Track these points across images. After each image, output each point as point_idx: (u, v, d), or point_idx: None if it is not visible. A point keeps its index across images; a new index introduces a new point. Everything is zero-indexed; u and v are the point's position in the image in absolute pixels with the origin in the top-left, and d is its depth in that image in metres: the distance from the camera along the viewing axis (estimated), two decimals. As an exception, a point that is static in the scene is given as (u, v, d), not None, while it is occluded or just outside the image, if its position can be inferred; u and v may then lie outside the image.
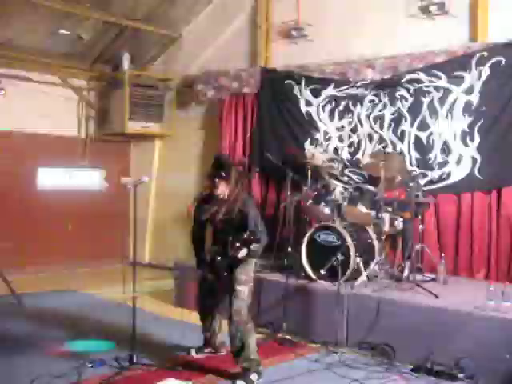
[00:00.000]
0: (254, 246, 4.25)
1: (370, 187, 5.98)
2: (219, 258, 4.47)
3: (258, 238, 4.28)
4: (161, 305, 6.88)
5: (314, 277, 5.74)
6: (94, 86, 9.49)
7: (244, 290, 4.46)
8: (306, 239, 5.89)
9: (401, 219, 5.93)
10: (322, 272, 5.59)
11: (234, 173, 4.55)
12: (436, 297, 5.01)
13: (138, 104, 8.90)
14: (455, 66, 6.26)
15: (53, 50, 8.61)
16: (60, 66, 8.90)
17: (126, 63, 8.93)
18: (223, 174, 4.48)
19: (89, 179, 9.35)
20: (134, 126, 8.83)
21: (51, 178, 8.91)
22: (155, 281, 8.18)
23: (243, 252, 4.27)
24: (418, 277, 5.69)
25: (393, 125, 6.72)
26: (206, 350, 4.98)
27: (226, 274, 4.47)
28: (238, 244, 4.26)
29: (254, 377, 4.32)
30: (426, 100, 6.46)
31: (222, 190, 4.50)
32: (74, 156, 9.22)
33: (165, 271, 8.40)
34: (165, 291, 7.36)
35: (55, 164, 8.92)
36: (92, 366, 4.56)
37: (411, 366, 4.66)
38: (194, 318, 5.82)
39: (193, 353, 4.95)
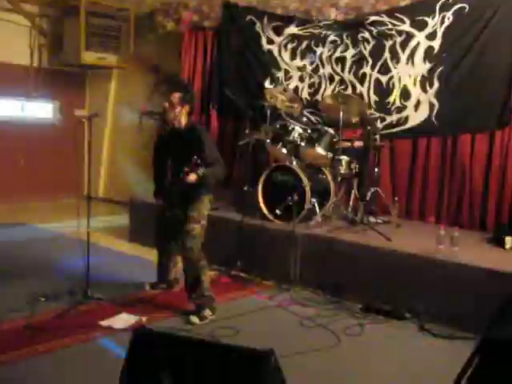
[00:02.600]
0: (205, 170, 4.19)
1: (328, 129, 5.98)
2: (173, 188, 4.47)
3: (211, 163, 4.28)
4: (115, 240, 6.87)
5: (270, 216, 5.80)
6: (46, 13, 9.08)
7: (195, 228, 4.47)
8: (262, 179, 5.91)
9: (357, 162, 5.98)
10: (278, 212, 5.64)
11: (190, 97, 4.55)
12: (388, 239, 5.13)
13: (94, 34, 8.57)
14: (419, 10, 6.21)
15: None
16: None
17: (81, -11, 8.56)
18: (181, 94, 4.48)
19: (41, 111, 9.08)
20: (89, 57, 8.54)
21: (2, 109, 8.60)
22: (110, 216, 8.14)
23: (192, 176, 4.21)
24: (372, 219, 5.81)
25: (354, 67, 6.68)
26: (161, 286, 5.03)
27: (177, 208, 4.49)
28: (186, 169, 4.19)
29: (207, 313, 4.39)
30: (388, 43, 6.41)
31: (175, 112, 4.49)
32: (25, 86, 8.89)
33: (120, 206, 8.36)
34: (119, 226, 7.34)
35: (5, 94, 8.60)
36: (45, 300, 4.55)
37: (361, 305, 4.81)
38: (148, 253, 5.86)
39: (147, 288, 5.00)
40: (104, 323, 4.19)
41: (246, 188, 6.37)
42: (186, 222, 4.46)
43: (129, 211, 7.01)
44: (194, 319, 4.33)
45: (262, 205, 5.88)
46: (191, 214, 4.48)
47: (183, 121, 4.56)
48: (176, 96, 4.49)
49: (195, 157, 4.17)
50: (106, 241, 6.72)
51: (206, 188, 4.51)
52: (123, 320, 4.27)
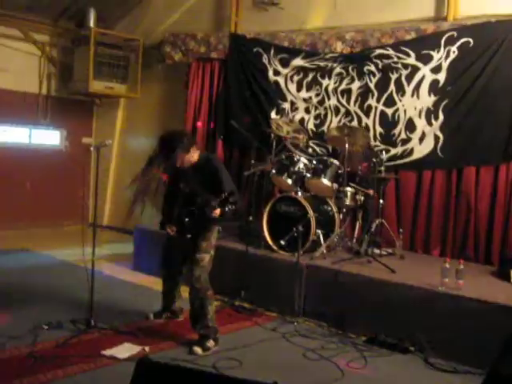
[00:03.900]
0: (228, 208, 4.22)
1: (333, 160, 6.01)
2: (187, 219, 4.45)
3: (236, 201, 4.27)
4: (120, 268, 6.86)
5: (274, 247, 5.80)
6: (56, 42, 9.22)
7: (205, 257, 4.49)
8: (267, 209, 5.93)
9: (362, 193, 6.00)
10: (282, 242, 5.63)
11: (185, 141, 4.51)
12: (393, 271, 5.12)
13: (103, 63, 8.71)
14: (424, 44, 6.29)
15: (15, 2, 8.30)
16: (22, 19, 8.61)
17: (91, 20, 8.69)
18: (168, 153, 4.49)
19: (49, 138, 9.16)
20: (97, 86, 8.66)
21: (10, 136, 8.69)
22: (115, 244, 8.14)
23: (216, 212, 4.26)
24: (376, 251, 5.80)
25: (360, 99, 6.75)
26: (164, 315, 5.01)
27: (189, 236, 4.47)
28: (213, 203, 4.21)
29: (210, 344, 4.37)
30: (393, 76, 6.49)
31: (183, 160, 4.51)
32: (34, 114, 8.99)
33: (125, 235, 8.37)
34: (124, 255, 7.34)
35: (15, 121, 8.70)
36: (48, 328, 4.53)
37: (365, 338, 4.78)
38: (152, 282, 5.86)
39: (151, 317, 4.98)
40: (107, 353, 4.16)
41: (251, 218, 6.38)
42: (196, 251, 4.47)
43: (133, 239, 7.02)
44: (198, 350, 4.31)
45: (266, 235, 5.89)
46: (201, 243, 4.49)
47: (195, 158, 4.60)
48: (178, 157, 4.48)
49: (225, 194, 4.18)
50: (110, 269, 6.71)
51: (215, 219, 4.51)
52: (127, 349, 4.24)
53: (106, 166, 9.03)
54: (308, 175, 6.00)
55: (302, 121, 7.16)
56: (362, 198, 6.01)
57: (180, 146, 4.43)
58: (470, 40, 6.00)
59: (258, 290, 5.58)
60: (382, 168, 6.01)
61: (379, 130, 6.60)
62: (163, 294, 4.98)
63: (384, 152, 6.30)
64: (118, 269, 6.82)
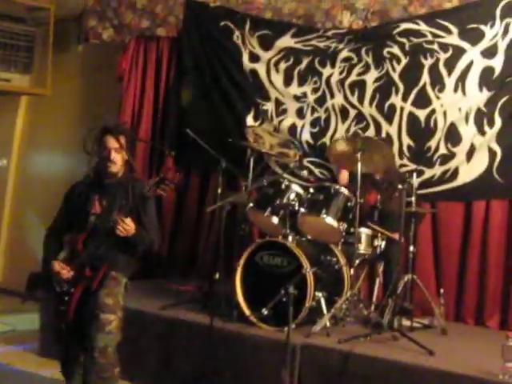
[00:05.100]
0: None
1: (340, 188, 6.03)
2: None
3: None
4: (19, 353, 6.78)
5: (253, 318, 5.77)
6: None
7: (111, 320, 4.46)
8: (242, 262, 5.91)
9: (383, 237, 6.02)
10: (265, 312, 5.61)
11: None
12: (430, 353, 5.12)
13: (-6, 44, 8.72)
14: (471, 15, 6.39)
15: None
16: None
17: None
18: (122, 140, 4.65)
19: None
20: (-15, 79, 8.66)
21: None
22: (11, 315, 8.05)
23: (130, 225, 4.35)
24: (406, 322, 5.80)
25: (378, 96, 6.82)
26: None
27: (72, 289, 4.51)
28: (116, 216, 4.37)
29: None
30: (427, 62, 6.58)
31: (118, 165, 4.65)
32: None
33: (27, 302, 8.27)
34: (26, 332, 7.26)
35: None
36: None
37: None
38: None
39: None
40: None
41: (217, 276, 6.35)
42: (99, 311, 4.45)
43: (39, 309, 6.93)
44: None
45: (241, 301, 5.87)
46: (105, 300, 4.48)
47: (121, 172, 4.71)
48: (122, 140, 4.65)
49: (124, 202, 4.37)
50: (5, 355, 6.63)
51: (124, 266, 4.60)
52: None
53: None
54: (302, 210, 6.01)
55: (292, 129, 7.22)
56: (384, 244, 6.03)
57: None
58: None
59: (231, 383, 5.54)
60: (413, 198, 6.04)
61: (407, 141, 6.66)
62: None
63: (415, 174, 6.33)
64: (16, 354, 6.75)
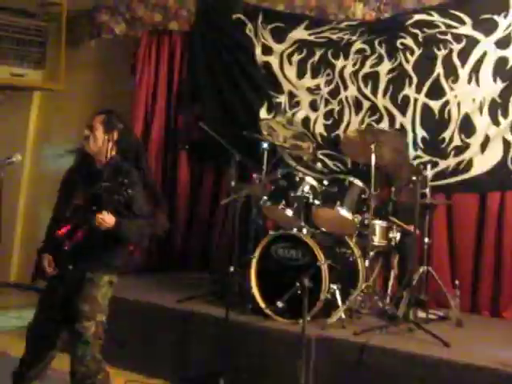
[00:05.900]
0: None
1: (354, 180, 6.04)
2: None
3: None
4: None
5: (267, 311, 5.78)
6: None
7: (87, 327, 4.39)
8: (256, 254, 5.92)
9: (398, 229, 6.03)
10: (279, 304, 5.62)
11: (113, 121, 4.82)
12: (446, 345, 5.12)
13: (6, 39, 8.72)
14: (485, 5, 6.38)
15: None
16: None
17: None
18: (103, 117, 4.85)
19: None
20: (-1, 74, 8.69)
21: None
22: (26, 309, 8.08)
23: (108, 219, 4.27)
24: (421, 314, 5.80)
25: (391, 88, 6.82)
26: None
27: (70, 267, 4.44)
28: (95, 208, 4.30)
29: None
30: (440, 53, 6.57)
31: (99, 143, 4.75)
32: None
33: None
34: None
35: None
36: None
37: None
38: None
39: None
40: None
41: (232, 269, 6.36)
42: (76, 319, 4.39)
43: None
44: None
45: (256, 293, 5.88)
46: (80, 306, 4.40)
47: (109, 154, 4.69)
48: (98, 119, 4.77)
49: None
50: (20, 349, 6.65)
51: (109, 261, 4.52)
52: None
53: (12, 194, 9.01)
54: (316, 203, 6.02)
55: (306, 121, 7.23)
56: (398, 236, 6.03)
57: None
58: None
59: (246, 376, 5.55)
60: (427, 190, 6.04)
61: (421, 133, 6.66)
62: (20, 364, 4.86)
63: (429, 166, 6.34)
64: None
